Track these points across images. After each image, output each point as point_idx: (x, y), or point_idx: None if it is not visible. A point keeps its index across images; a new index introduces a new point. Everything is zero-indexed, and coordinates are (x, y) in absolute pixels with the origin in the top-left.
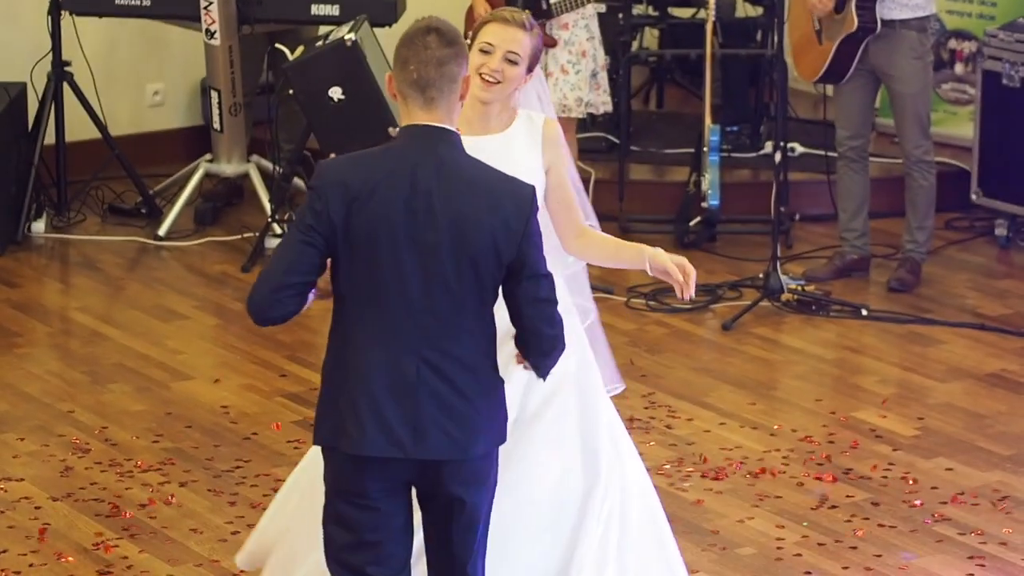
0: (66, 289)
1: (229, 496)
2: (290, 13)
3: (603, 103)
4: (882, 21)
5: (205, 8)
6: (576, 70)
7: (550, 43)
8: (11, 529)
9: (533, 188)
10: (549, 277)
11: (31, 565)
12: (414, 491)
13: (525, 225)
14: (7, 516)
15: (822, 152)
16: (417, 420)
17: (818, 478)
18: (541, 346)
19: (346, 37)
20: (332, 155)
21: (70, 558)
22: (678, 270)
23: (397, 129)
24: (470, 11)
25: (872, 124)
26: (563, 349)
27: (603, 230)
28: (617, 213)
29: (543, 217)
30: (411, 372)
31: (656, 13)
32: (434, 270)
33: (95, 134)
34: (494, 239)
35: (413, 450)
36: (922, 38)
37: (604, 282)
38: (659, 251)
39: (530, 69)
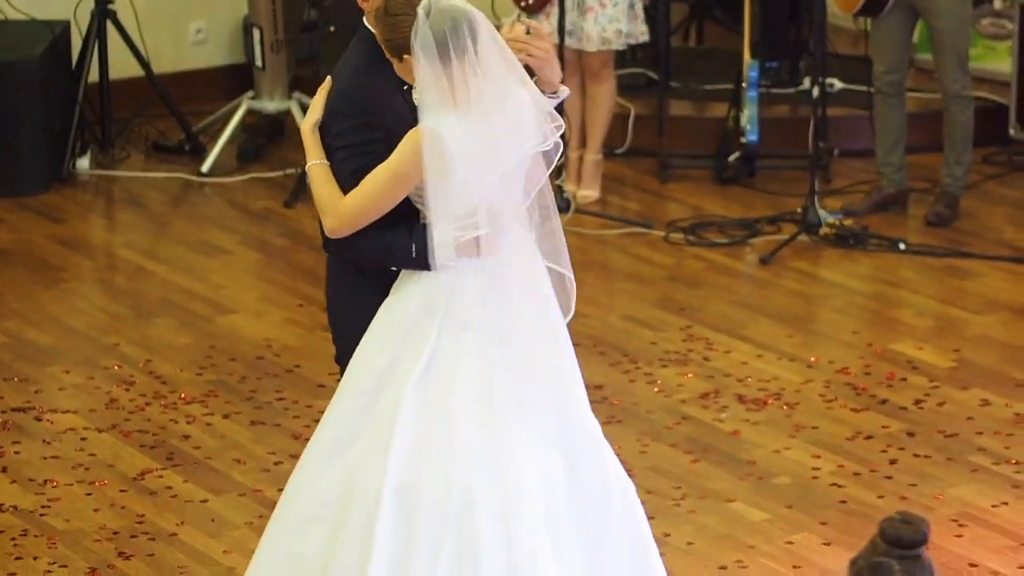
0: (111, 225)
1: (271, 427)
2: None
3: (641, 33)
4: None
5: None
6: (614, 3)
7: None
8: (57, 460)
9: (339, 93)
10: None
11: (77, 495)
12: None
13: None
14: (53, 447)
15: (861, 88)
16: None
17: (855, 410)
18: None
19: None
20: None
21: (115, 488)
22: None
23: None
24: None
25: (910, 59)
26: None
27: (643, 165)
28: (656, 149)
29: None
30: None
31: None
32: None
33: (138, 72)
34: None
35: None
36: None
37: (643, 217)
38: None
39: None
